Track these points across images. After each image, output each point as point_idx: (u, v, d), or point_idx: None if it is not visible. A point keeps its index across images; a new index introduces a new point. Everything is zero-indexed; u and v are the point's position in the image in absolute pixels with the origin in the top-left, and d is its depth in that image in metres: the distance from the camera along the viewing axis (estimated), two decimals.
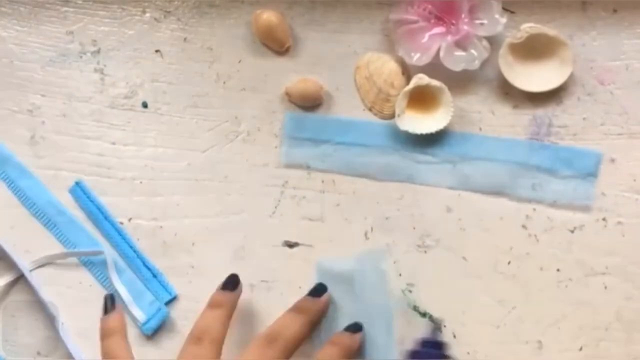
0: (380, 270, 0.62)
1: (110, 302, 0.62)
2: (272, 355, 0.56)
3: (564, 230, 0.62)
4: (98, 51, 0.68)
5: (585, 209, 0.63)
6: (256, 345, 0.57)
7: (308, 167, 0.65)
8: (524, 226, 0.63)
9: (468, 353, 0.61)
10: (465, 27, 0.64)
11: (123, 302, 0.63)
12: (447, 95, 0.64)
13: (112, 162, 0.66)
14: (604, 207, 0.63)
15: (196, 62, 0.68)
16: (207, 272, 0.64)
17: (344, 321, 0.61)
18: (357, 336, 0.60)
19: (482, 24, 0.64)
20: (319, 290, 0.61)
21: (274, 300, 0.63)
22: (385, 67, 0.65)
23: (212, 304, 0.59)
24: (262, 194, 0.65)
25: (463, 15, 0.64)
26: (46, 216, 0.65)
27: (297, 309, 0.60)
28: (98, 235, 0.65)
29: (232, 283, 0.60)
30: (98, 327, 0.61)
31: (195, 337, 0.57)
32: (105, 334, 0.60)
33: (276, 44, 0.67)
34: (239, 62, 0.68)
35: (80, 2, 0.69)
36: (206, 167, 0.66)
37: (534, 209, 0.63)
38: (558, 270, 0.62)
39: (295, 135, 0.66)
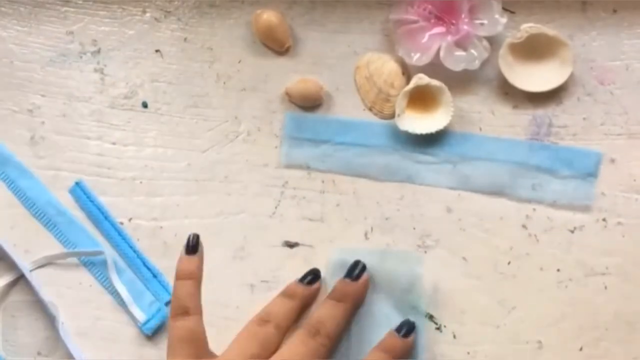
0: (416, 274, 0.60)
1: (194, 242, 0.58)
2: (316, 347, 0.55)
3: (564, 231, 0.62)
4: (98, 51, 0.68)
5: (585, 209, 0.63)
6: (299, 338, 0.55)
7: (308, 168, 0.65)
8: (524, 226, 0.63)
9: (468, 353, 0.61)
10: (465, 27, 0.64)
11: (123, 302, 0.63)
12: (447, 95, 0.64)
13: (112, 162, 0.66)
14: (604, 208, 0.63)
15: (196, 62, 0.68)
16: (207, 272, 0.63)
17: (368, 320, 0.59)
18: (410, 340, 0.58)
19: (482, 24, 0.64)
20: (357, 270, 0.59)
21: None
22: (385, 67, 0.65)
23: (285, 293, 0.59)
24: (262, 194, 0.65)
25: (463, 15, 0.64)
26: (46, 216, 0.65)
27: (337, 295, 0.58)
28: (98, 236, 0.65)
29: (312, 275, 0.59)
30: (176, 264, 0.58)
31: (261, 320, 0.56)
32: (179, 276, 0.57)
33: (276, 44, 0.67)
34: (239, 62, 0.68)
35: (80, 2, 0.69)
36: (206, 167, 0.66)
37: (534, 209, 0.63)
38: (558, 270, 0.62)
39: (295, 135, 0.66)
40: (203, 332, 0.56)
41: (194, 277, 0.57)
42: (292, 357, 0.54)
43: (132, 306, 0.63)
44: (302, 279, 0.60)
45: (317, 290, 0.59)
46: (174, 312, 0.56)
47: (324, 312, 0.57)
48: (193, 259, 0.58)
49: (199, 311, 0.56)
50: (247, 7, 0.68)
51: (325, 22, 0.68)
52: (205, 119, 0.67)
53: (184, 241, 0.58)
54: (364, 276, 0.59)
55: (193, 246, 0.58)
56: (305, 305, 0.59)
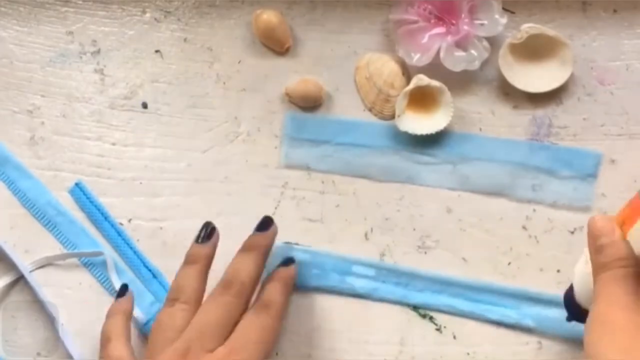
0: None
1: (209, 231, 0.60)
2: (230, 300, 0.57)
3: (564, 231, 0.62)
4: (98, 51, 0.68)
5: (586, 209, 0.63)
6: (213, 294, 0.57)
7: (308, 168, 0.65)
8: (524, 227, 0.63)
9: (468, 354, 0.61)
10: (466, 28, 0.64)
11: None
12: (447, 95, 0.64)
13: (112, 163, 0.66)
14: (604, 208, 0.63)
15: (196, 62, 0.68)
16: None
17: None
18: (293, 267, 0.61)
19: (482, 24, 0.64)
20: (266, 223, 0.61)
21: None
22: (386, 67, 0.65)
23: (188, 261, 0.60)
24: (262, 194, 0.65)
25: (463, 16, 0.64)
26: (46, 217, 0.65)
27: (247, 247, 0.60)
28: (98, 236, 0.65)
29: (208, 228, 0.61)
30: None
31: (171, 300, 0.58)
32: (184, 261, 0.60)
33: (276, 44, 0.67)
34: (239, 62, 0.68)
35: (80, 2, 0.69)
36: (206, 167, 0.66)
37: (534, 210, 0.63)
38: (558, 271, 0.62)
39: (295, 135, 0.66)
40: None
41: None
42: (208, 318, 0.56)
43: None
44: (197, 238, 0.60)
45: (216, 242, 0.60)
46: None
47: (235, 266, 0.59)
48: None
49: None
50: (247, 7, 0.68)
51: (325, 22, 0.68)
52: (205, 120, 0.67)
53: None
54: (273, 227, 0.60)
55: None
56: (209, 263, 0.60)
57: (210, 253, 0.60)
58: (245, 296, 0.58)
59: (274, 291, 0.59)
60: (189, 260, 0.60)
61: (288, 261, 0.61)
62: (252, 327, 0.56)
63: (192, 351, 0.54)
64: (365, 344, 0.62)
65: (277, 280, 0.60)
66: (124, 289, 0.62)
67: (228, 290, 0.57)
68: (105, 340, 0.58)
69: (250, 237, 0.60)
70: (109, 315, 0.60)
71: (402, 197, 0.64)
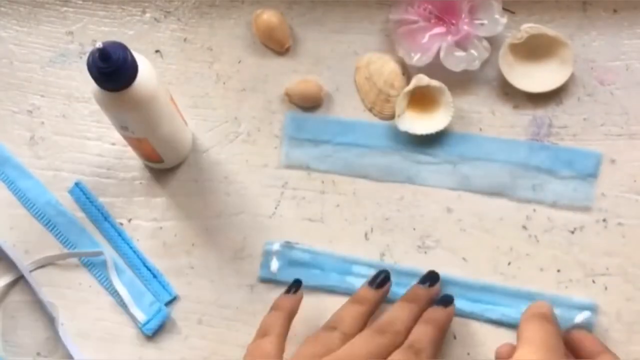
0: None
1: (383, 278, 0.60)
2: (383, 342, 0.55)
3: (564, 231, 0.62)
4: None
5: (586, 209, 0.63)
6: (366, 333, 0.56)
7: (308, 168, 0.65)
8: (524, 227, 0.63)
9: (468, 354, 0.61)
10: (466, 28, 0.64)
11: (123, 302, 0.63)
12: (447, 95, 0.64)
13: (112, 163, 0.66)
14: (604, 208, 0.63)
15: (196, 62, 0.68)
16: (207, 272, 0.64)
17: None
18: (451, 309, 0.59)
19: (482, 24, 0.64)
20: (434, 278, 0.59)
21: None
22: (386, 67, 0.65)
23: (355, 300, 0.59)
24: (262, 194, 0.65)
25: (463, 16, 0.64)
26: (46, 217, 0.65)
27: (410, 298, 0.58)
28: (98, 236, 0.65)
29: (383, 276, 0.60)
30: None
31: (329, 327, 0.57)
32: (272, 307, 0.60)
33: (276, 44, 0.67)
34: (239, 62, 0.68)
35: (80, 2, 0.69)
36: (206, 167, 0.66)
37: (534, 210, 0.63)
38: (558, 271, 0.62)
39: (295, 135, 0.66)
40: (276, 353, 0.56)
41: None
42: (357, 351, 0.55)
43: (132, 307, 0.63)
44: (371, 282, 0.60)
45: (387, 292, 0.60)
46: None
47: (393, 313, 0.58)
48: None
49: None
50: (247, 7, 0.68)
51: (325, 22, 0.68)
52: (205, 119, 0.67)
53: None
54: (438, 284, 0.60)
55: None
56: (375, 309, 0.59)
57: (379, 300, 0.59)
58: (396, 344, 0.56)
59: (426, 337, 0.56)
60: (355, 300, 0.59)
61: (447, 301, 0.59)
62: (363, 347, 0.55)
63: None
64: None
65: (433, 325, 0.57)
66: (297, 285, 0.61)
67: (382, 334, 0.56)
68: (262, 331, 0.57)
69: (415, 287, 0.59)
70: (274, 308, 0.59)
71: (402, 197, 0.64)
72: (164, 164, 0.64)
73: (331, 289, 0.63)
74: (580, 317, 0.60)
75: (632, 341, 0.60)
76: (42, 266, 0.65)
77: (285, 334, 0.58)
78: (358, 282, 0.62)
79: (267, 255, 0.63)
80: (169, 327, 0.63)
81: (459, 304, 0.61)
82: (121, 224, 0.65)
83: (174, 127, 0.61)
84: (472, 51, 0.64)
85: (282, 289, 0.61)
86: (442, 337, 0.58)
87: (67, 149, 0.67)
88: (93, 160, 0.66)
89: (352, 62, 0.67)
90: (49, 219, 0.65)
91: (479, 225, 0.63)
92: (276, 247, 0.63)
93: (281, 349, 0.56)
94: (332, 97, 0.66)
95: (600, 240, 0.62)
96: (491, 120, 0.65)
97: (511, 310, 0.61)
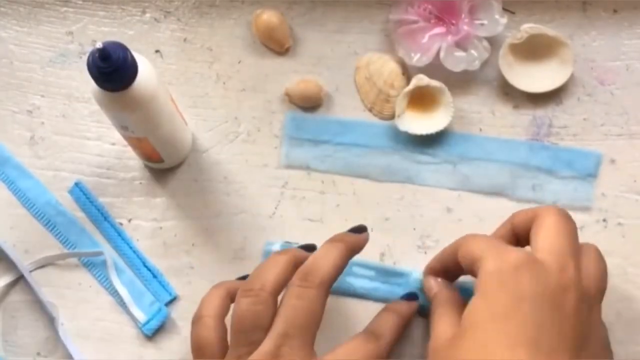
0: None
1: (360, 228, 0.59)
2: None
3: None
4: None
5: (586, 209, 0.63)
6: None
7: (308, 168, 0.65)
8: None
9: None
10: (466, 28, 0.64)
11: (123, 302, 0.63)
12: (447, 95, 0.64)
13: (112, 163, 0.66)
14: (604, 208, 0.63)
15: (196, 62, 0.68)
16: (207, 272, 0.64)
17: None
18: (415, 304, 0.60)
19: (482, 24, 0.64)
20: (360, 229, 0.59)
21: None
22: (385, 67, 0.65)
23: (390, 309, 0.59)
24: (262, 194, 0.65)
25: (463, 16, 0.64)
26: (46, 217, 0.65)
27: (335, 239, 0.57)
28: (98, 236, 0.65)
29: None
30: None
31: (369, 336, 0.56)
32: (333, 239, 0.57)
33: (276, 44, 0.67)
34: (239, 62, 0.68)
35: (80, 2, 0.69)
36: (206, 167, 0.66)
37: None
38: None
39: (295, 135, 0.66)
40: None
41: (342, 242, 0.57)
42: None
43: (132, 307, 0.63)
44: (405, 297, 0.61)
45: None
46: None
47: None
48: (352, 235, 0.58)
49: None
50: (247, 7, 0.68)
51: (325, 22, 0.68)
52: (205, 119, 0.67)
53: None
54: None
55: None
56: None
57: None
58: (326, 290, 0.54)
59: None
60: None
61: (411, 296, 0.60)
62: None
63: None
64: None
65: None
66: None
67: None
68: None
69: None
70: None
71: (402, 197, 0.64)
72: (164, 164, 0.64)
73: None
74: None
75: (632, 341, 0.60)
76: (42, 266, 0.65)
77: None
78: (358, 282, 0.62)
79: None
80: (169, 327, 0.63)
81: None
82: (121, 224, 0.65)
83: (174, 127, 0.61)
84: (472, 51, 0.64)
85: None
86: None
87: (67, 149, 0.67)
88: (93, 160, 0.66)
89: (352, 62, 0.67)
90: (49, 219, 0.65)
91: (479, 225, 0.63)
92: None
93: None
94: (332, 97, 0.66)
95: (600, 240, 0.61)
96: (491, 120, 0.65)
97: None
